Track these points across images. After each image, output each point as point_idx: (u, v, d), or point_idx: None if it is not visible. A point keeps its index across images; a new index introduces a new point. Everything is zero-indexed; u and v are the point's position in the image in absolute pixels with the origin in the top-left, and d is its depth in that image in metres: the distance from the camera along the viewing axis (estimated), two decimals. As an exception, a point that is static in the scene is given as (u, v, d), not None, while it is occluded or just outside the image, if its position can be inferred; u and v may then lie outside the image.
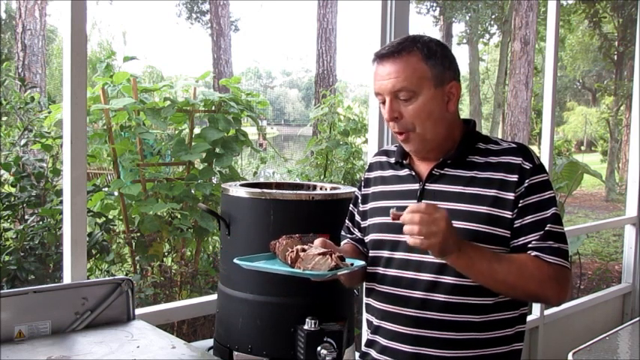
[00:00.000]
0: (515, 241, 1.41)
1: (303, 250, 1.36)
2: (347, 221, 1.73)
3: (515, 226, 1.41)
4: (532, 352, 3.27)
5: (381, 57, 1.45)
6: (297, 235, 1.50)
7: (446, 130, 1.47)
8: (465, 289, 1.41)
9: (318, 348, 1.52)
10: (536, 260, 1.38)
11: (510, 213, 1.40)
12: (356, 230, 1.68)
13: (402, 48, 1.43)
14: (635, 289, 4.03)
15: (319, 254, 1.34)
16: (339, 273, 1.35)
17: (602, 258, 7.78)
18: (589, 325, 3.68)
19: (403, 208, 1.29)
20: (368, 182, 1.66)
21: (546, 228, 1.40)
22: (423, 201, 1.46)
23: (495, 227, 1.41)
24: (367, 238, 1.60)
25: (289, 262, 1.37)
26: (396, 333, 1.49)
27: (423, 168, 1.52)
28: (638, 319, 2.39)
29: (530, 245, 1.40)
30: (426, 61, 1.42)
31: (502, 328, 1.46)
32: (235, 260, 1.43)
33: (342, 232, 1.73)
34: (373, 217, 1.59)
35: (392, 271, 1.51)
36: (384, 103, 1.46)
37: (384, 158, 1.65)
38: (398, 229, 1.49)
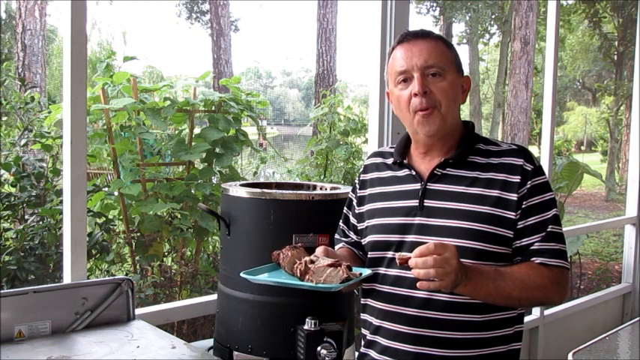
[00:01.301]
0: (518, 242, 1.43)
1: (312, 262, 1.35)
2: (341, 224, 1.72)
3: (518, 227, 1.42)
4: (532, 352, 3.27)
5: (412, 35, 1.49)
6: (300, 244, 1.49)
7: (456, 121, 1.51)
8: None
9: (318, 348, 1.52)
10: (537, 268, 1.40)
11: (514, 214, 1.42)
12: (351, 233, 1.68)
13: (429, 33, 1.50)
14: (635, 289, 4.03)
15: (329, 265, 1.33)
16: (349, 284, 1.34)
17: (602, 258, 7.78)
18: (589, 325, 3.68)
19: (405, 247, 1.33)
20: (364, 184, 1.65)
21: (548, 229, 1.42)
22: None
23: (498, 227, 1.42)
24: (366, 240, 1.60)
25: (298, 274, 1.36)
26: (398, 333, 1.49)
27: (424, 167, 1.53)
28: (638, 319, 2.39)
29: (532, 248, 1.42)
30: (449, 49, 1.49)
31: (502, 327, 1.47)
32: (242, 274, 1.42)
33: (337, 236, 1.72)
34: (372, 218, 1.58)
35: (394, 271, 1.51)
36: (405, 81, 1.47)
37: (379, 159, 1.65)
38: (400, 229, 1.49)
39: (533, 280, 1.39)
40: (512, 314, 1.49)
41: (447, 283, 1.26)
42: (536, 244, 1.42)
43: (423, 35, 1.48)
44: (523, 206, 1.42)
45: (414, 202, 1.49)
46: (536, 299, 1.44)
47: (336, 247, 1.69)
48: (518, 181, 1.43)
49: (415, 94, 1.44)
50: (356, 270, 1.40)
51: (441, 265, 1.24)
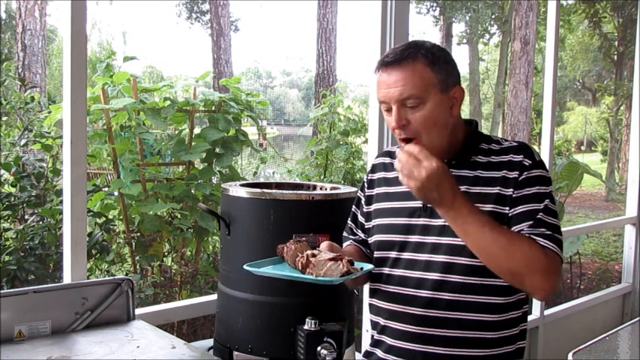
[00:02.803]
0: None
1: (314, 256, 1.36)
2: (349, 222, 1.72)
3: (509, 215, 1.41)
4: (532, 352, 3.27)
5: (386, 65, 1.43)
6: (304, 238, 1.49)
7: (449, 135, 1.48)
8: (472, 288, 1.42)
9: (318, 348, 1.52)
10: (529, 240, 1.35)
11: (508, 208, 1.41)
12: (359, 231, 1.68)
13: (408, 55, 1.42)
14: (635, 289, 4.03)
15: (330, 259, 1.34)
16: (349, 278, 1.35)
17: (602, 258, 7.78)
18: (589, 325, 3.68)
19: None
20: (372, 183, 1.66)
21: (538, 216, 1.38)
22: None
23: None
24: (372, 239, 1.60)
25: (300, 267, 1.37)
26: (403, 332, 1.50)
27: None
28: (638, 319, 2.39)
29: (522, 232, 1.38)
30: (431, 67, 1.41)
31: (507, 327, 1.47)
32: (245, 266, 1.42)
33: (345, 233, 1.73)
34: (378, 218, 1.59)
35: (399, 271, 1.51)
36: (388, 110, 1.45)
37: (387, 159, 1.65)
38: (404, 230, 1.49)
39: (519, 246, 1.32)
40: (518, 313, 1.49)
41: (410, 187, 1.32)
42: (526, 229, 1.37)
43: (400, 60, 1.41)
44: (514, 196, 1.40)
45: (418, 203, 1.49)
46: (516, 269, 1.33)
47: (344, 245, 1.69)
48: (516, 176, 1.42)
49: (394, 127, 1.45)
50: (358, 265, 1.41)
51: (410, 166, 1.30)
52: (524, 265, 1.33)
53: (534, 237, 1.35)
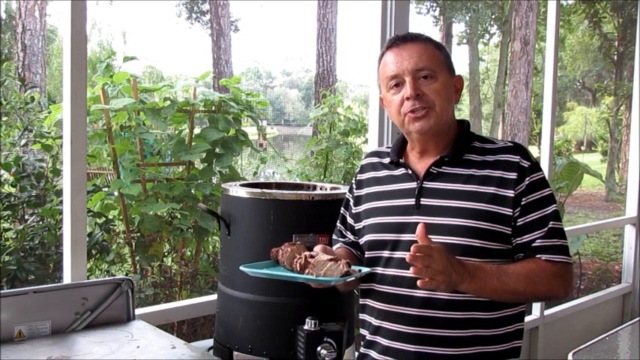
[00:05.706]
0: (519, 238, 1.43)
1: (312, 257, 1.36)
2: (338, 224, 1.72)
3: (518, 223, 1.43)
4: (532, 352, 3.27)
5: (401, 39, 1.50)
6: (299, 241, 1.49)
7: (451, 120, 1.52)
8: None
9: (318, 348, 1.52)
10: (540, 262, 1.41)
11: (511, 210, 1.42)
12: (349, 233, 1.68)
13: (418, 36, 1.51)
14: (635, 289, 4.03)
15: (330, 260, 1.34)
16: (350, 279, 1.36)
17: (602, 258, 7.77)
18: (589, 325, 3.68)
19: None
20: (360, 184, 1.65)
21: (549, 225, 1.42)
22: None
23: (494, 224, 1.42)
24: (363, 239, 1.60)
25: (298, 268, 1.37)
26: (399, 333, 1.49)
27: (420, 166, 1.53)
28: (638, 319, 2.39)
29: (534, 244, 1.42)
30: (439, 50, 1.50)
31: (503, 325, 1.48)
32: (241, 268, 1.42)
33: (334, 236, 1.72)
34: (369, 217, 1.58)
35: (392, 271, 1.51)
36: (398, 85, 1.47)
37: (375, 159, 1.65)
38: (397, 228, 1.49)
39: (536, 274, 1.40)
40: (514, 311, 1.49)
41: (438, 284, 1.26)
42: (538, 240, 1.42)
43: (412, 38, 1.50)
44: (522, 203, 1.42)
45: (411, 201, 1.49)
46: (541, 293, 1.45)
47: (334, 248, 1.68)
48: (515, 177, 1.43)
49: (407, 98, 1.45)
50: (355, 267, 1.41)
51: (429, 264, 1.25)
52: (545, 287, 1.42)
53: (547, 255, 1.41)
